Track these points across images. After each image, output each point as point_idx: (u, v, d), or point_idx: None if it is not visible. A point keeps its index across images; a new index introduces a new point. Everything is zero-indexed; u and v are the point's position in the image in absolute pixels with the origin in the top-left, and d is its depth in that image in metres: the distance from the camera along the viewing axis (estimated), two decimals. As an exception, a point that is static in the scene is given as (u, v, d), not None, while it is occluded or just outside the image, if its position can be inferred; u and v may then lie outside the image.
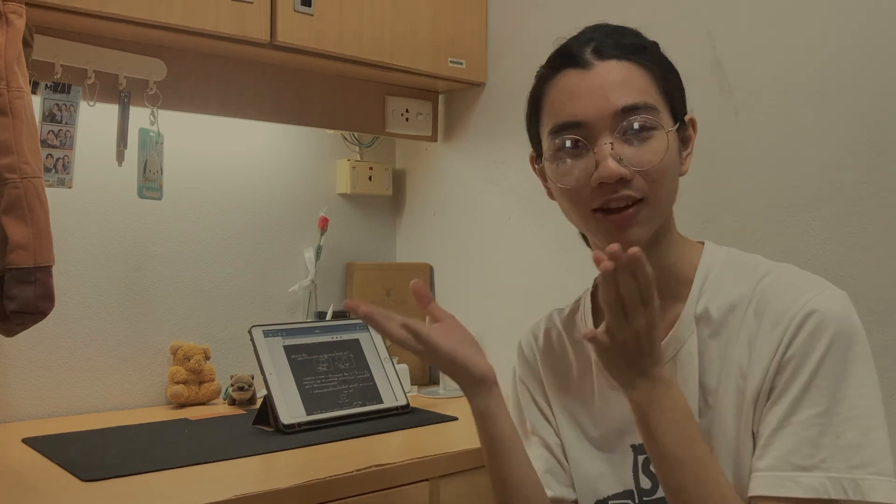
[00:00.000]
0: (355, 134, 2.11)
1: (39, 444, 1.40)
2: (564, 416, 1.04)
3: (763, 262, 0.94)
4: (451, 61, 1.90)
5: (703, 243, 0.99)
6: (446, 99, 2.10)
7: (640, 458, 0.95)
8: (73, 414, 1.67)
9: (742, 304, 0.90)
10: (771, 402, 0.85)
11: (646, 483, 0.95)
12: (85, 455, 1.33)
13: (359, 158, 2.13)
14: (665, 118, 0.90)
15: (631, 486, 0.96)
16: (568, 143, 0.89)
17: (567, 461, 1.04)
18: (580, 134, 0.89)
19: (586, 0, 1.75)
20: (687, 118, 0.95)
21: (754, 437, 0.87)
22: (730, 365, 0.90)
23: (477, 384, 0.99)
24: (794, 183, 1.42)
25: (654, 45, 0.95)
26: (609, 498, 0.98)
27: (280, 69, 1.81)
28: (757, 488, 0.84)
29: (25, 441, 1.42)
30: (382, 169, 2.16)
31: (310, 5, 1.63)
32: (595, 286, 1.07)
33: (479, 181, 2.00)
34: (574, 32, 0.96)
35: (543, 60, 0.97)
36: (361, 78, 1.93)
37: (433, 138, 2.09)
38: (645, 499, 0.95)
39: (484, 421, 1.00)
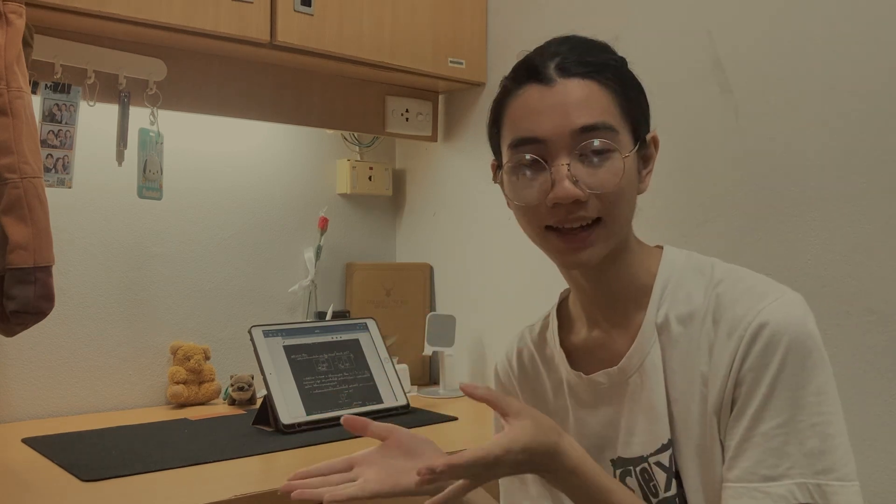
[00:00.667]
0: (355, 134, 2.11)
1: (39, 444, 1.40)
2: None
3: (719, 266, 0.94)
4: (451, 61, 1.90)
5: (661, 248, 0.99)
6: (446, 99, 2.10)
7: (618, 472, 0.96)
8: (73, 414, 1.67)
9: (700, 312, 0.91)
10: (735, 415, 0.86)
11: None
12: (85, 455, 1.33)
13: (359, 158, 2.13)
14: (624, 139, 0.90)
15: None
16: (526, 160, 0.89)
17: None
18: (538, 151, 0.88)
19: (585, 0, 1.75)
20: (649, 137, 0.95)
21: (722, 445, 0.88)
22: (692, 373, 0.90)
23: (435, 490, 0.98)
24: (794, 183, 1.42)
25: (622, 61, 0.94)
26: None
27: (280, 69, 1.81)
28: (728, 499, 0.85)
29: (25, 441, 1.42)
30: (382, 169, 2.16)
31: (310, 5, 1.63)
32: (560, 301, 1.07)
33: (479, 181, 2.00)
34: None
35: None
36: (361, 78, 1.93)
37: (433, 138, 2.09)
38: None
39: None
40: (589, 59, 0.90)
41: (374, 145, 2.16)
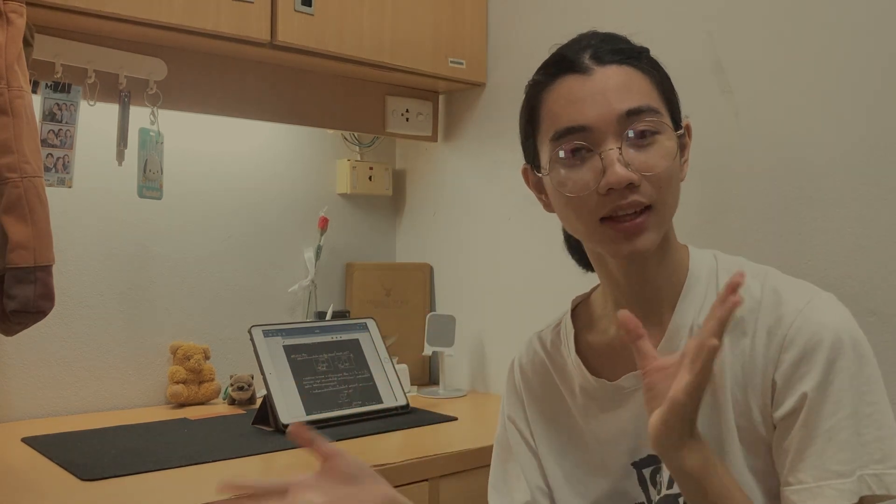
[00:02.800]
0: (355, 134, 2.11)
1: (39, 444, 1.40)
2: (549, 447, 1.03)
3: (748, 267, 0.94)
4: (451, 61, 1.90)
5: (686, 247, 0.98)
6: (446, 99, 2.10)
7: (647, 472, 0.95)
8: (73, 414, 1.67)
9: (735, 315, 0.90)
10: (787, 415, 0.85)
11: (654, 495, 0.94)
12: (85, 455, 1.33)
13: (359, 158, 2.13)
14: (668, 122, 0.90)
15: (642, 499, 0.95)
16: (572, 150, 0.87)
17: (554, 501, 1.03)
18: (584, 139, 0.87)
19: (586, 0, 1.75)
20: (683, 124, 0.95)
21: (742, 445, 0.87)
22: (720, 374, 0.89)
23: None
24: (795, 183, 1.42)
25: (648, 50, 0.94)
26: None
27: (280, 69, 1.81)
28: (797, 502, 0.83)
29: (25, 440, 1.42)
30: (382, 169, 2.16)
31: (310, 5, 1.63)
32: (574, 307, 1.06)
33: (479, 181, 2.00)
34: (573, 33, 0.96)
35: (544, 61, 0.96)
36: (361, 78, 1.93)
37: (433, 138, 2.09)
38: None
39: None
40: (620, 47, 0.90)
41: (374, 145, 2.16)
